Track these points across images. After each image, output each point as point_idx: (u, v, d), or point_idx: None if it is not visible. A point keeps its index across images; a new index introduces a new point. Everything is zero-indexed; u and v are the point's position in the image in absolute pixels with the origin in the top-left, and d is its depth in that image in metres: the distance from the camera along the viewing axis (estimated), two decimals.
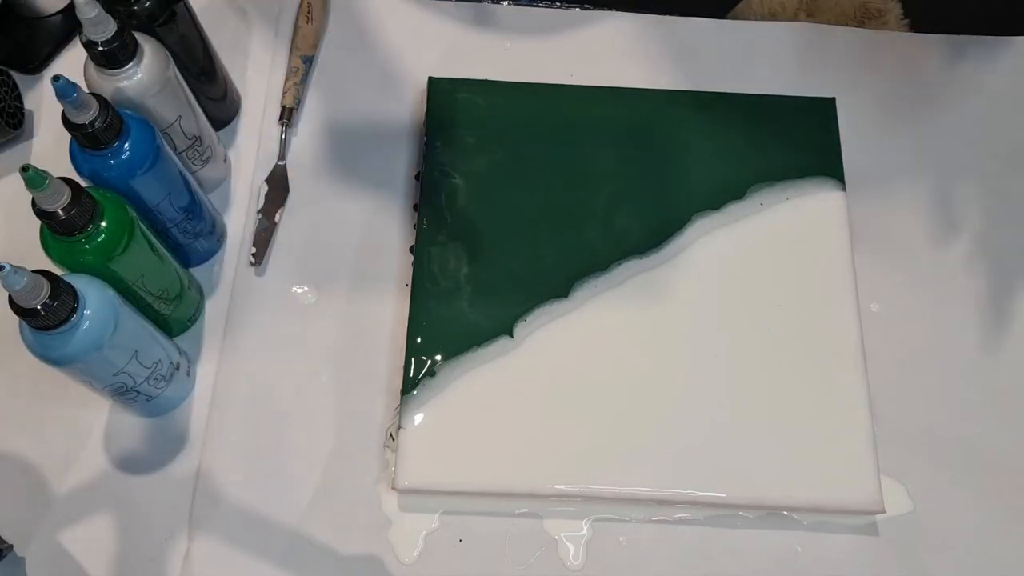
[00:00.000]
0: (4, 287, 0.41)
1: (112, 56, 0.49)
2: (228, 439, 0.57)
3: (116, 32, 0.48)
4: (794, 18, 0.71)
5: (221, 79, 0.63)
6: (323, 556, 0.55)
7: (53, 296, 0.43)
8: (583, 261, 0.59)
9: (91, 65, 0.51)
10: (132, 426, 0.58)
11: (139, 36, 0.51)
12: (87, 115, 0.46)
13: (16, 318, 0.44)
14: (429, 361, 0.56)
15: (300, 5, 0.69)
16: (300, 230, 0.63)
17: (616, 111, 0.64)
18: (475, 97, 0.64)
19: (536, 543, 0.55)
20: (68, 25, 0.67)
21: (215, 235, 0.61)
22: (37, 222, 0.46)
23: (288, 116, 0.65)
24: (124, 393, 0.51)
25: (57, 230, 0.46)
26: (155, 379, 0.53)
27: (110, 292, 0.47)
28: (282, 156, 0.65)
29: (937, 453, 0.58)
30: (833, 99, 0.65)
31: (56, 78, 0.44)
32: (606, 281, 0.59)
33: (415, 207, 0.62)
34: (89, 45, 0.49)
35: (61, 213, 0.45)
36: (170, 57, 0.53)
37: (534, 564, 0.55)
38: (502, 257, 0.59)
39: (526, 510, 0.56)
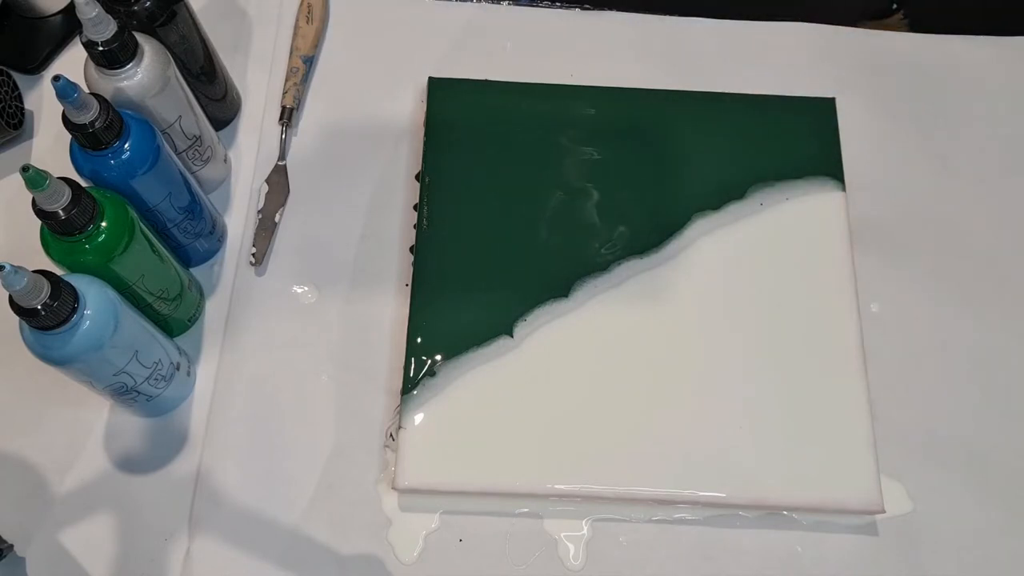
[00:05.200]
0: (4, 287, 0.41)
1: (112, 56, 0.49)
2: (228, 439, 0.57)
3: (116, 32, 0.48)
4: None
5: (221, 79, 0.64)
6: (323, 556, 0.55)
7: (53, 296, 0.43)
8: (583, 261, 0.59)
9: (91, 65, 0.51)
10: (132, 426, 0.58)
11: (139, 36, 0.51)
12: (87, 115, 0.46)
13: (16, 318, 0.44)
14: (429, 361, 0.56)
15: (300, 5, 0.69)
16: (300, 230, 0.63)
17: (616, 111, 0.64)
18: (475, 97, 0.64)
19: (536, 543, 0.55)
20: (68, 25, 0.67)
21: (215, 235, 0.61)
22: (37, 222, 0.46)
23: (288, 116, 0.65)
24: (124, 393, 0.51)
25: (57, 230, 0.46)
26: (155, 379, 0.53)
27: (110, 292, 0.47)
28: (282, 156, 0.65)
29: (937, 453, 0.58)
30: (833, 99, 0.65)
31: (56, 78, 0.44)
32: (606, 281, 0.59)
33: (415, 207, 0.62)
34: (89, 45, 0.49)
35: (61, 213, 0.45)
36: (170, 57, 0.53)
37: (534, 564, 0.55)
38: (502, 257, 0.59)
39: (526, 510, 0.56)
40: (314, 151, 0.66)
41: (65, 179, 0.45)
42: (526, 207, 0.61)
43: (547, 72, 0.67)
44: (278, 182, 0.64)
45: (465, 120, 0.63)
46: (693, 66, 0.69)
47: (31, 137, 0.66)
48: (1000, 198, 0.65)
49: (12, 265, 0.41)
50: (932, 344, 0.61)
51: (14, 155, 0.65)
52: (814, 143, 0.63)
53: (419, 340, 0.57)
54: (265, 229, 0.62)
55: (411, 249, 0.61)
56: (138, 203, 0.51)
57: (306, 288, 0.61)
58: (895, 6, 0.71)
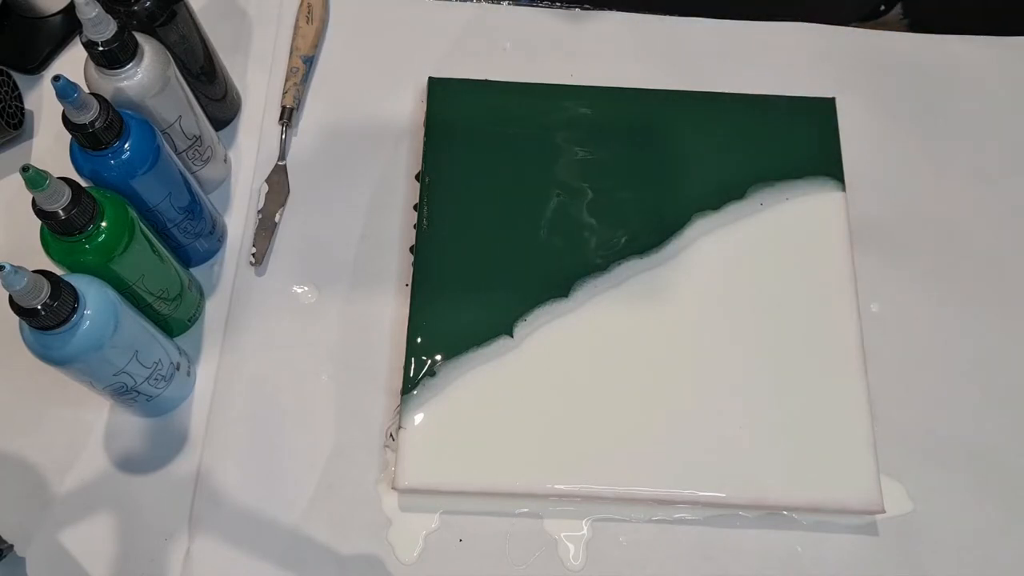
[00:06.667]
0: (4, 287, 0.41)
1: (112, 56, 0.49)
2: (228, 439, 0.57)
3: (116, 32, 0.48)
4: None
5: (221, 79, 0.64)
6: (323, 556, 0.55)
7: (53, 296, 0.43)
8: (583, 261, 0.59)
9: (91, 65, 0.51)
10: (132, 426, 0.58)
11: (139, 36, 0.51)
12: (87, 115, 0.46)
13: (16, 318, 0.44)
14: (429, 361, 0.56)
15: (300, 5, 0.69)
16: (300, 230, 0.63)
17: (616, 111, 0.64)
18: (475, 97, 0.64)
19: (536, 543, 0.55)
20: (68, 25, 0.67)
21: (215, 235, 0.61)
22: (37, 222, 0.46)
23: (288, 116, 0.65)
24: (124, 393, 0.52)
25: (57, 230, 0.46)
26: (155, 379, 0.53)
27: (110, 292, 0.47)
28: (282, 156, 0.65)
29: (937, 453, 0.58)
30: (833, 99, 0.65)
31: (56, 78, 0.44)
32: (606, 281, 0.59)
33: (415, 207, 0.62)
34: (89, 45, 0.49)
35: (61, 213, 0.45)
36: (170, 57, 0.53)
37: (534, 564, 0.55)
38: (502, 257, 0.59)
39: (526, 510, 0.56)
40: (314, 151, 0.66)
41: (65, 179, 0.45)
42: (526, 207, 0.61)
43: (547, 72, 0.67)
44: (278, 182, 0.64)
45: (465, 120, 0.63)
46: (693, 66, 0.69)
47: (31, 137, 0.66)
48: (1000, 198, 0.65)
49: (12, 265, 0.41)
50: (932, 344, 0.61)
51: (14, 155, 0.65)
52: (814, 143, 0.63)
53: (419, 340, 0.57)
54: (265, 229, 0.62)
55: (411, 249, 0.61)
56: (138, 203, 0.51)
57: (306, 288, 0.61)
58: (883, 7, 0.71)
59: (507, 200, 0.61)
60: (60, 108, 0.46)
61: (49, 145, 0.65)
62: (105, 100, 0.47)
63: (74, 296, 0.44)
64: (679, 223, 0.60)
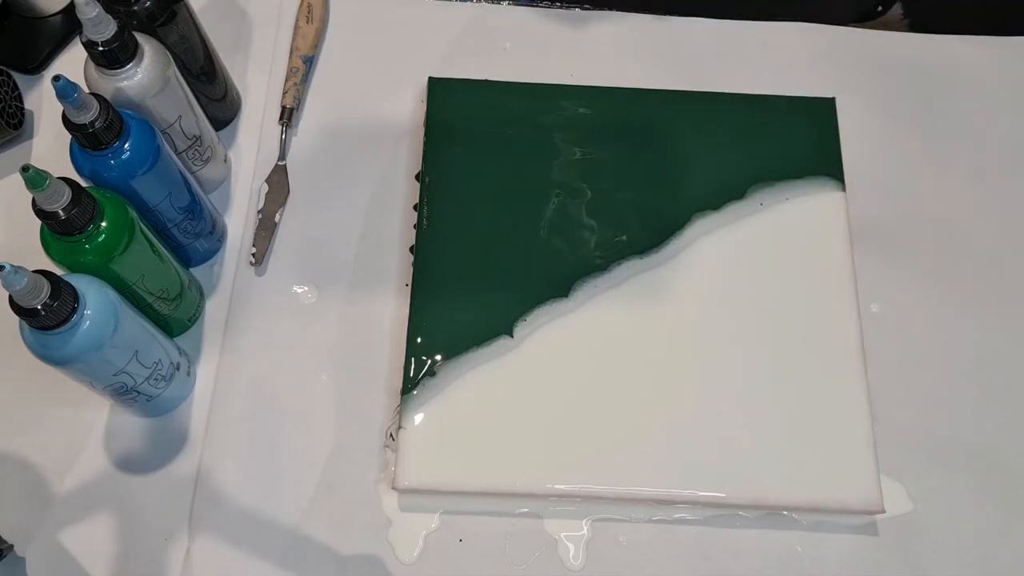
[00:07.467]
0: (4, 287, 0.41)
1: (112, 56, 0.49)
2: (228, 439, 0.57)
3: (116, 32, 0.48)
4: None
5: (221, 79, 0.64)
6: (323, 556, 0.55)
7: (53, 296, 0.43)
8: (583, 261, 0.59)
9: (91, 65, 0.51)
10: (132, 426, 0.58)
11: (139, 36, 0.51)
12: (87, 115, 0.46)
13: (16, 318, 0.44)
14: (429, 361, 0.56)
15: (300, 5, 0.69)
16: (300, 230, 0.63)
17: (616, 111, 0.64)
18: (475, 97, 0.64)
19: (536, 543, 0.55)
20: (68, 25, 0.67)
21: (215, 235, 0.61)
22: (37, 222, 0.46)
23: (288, 116, 0.65)
24: (124, 393, 0.52)
25: (57, 230, 0.46)
26: (155, 379, 0.53)
27: (110, 292, 0.47)
28: (282, 156, 0.65)
29: (937, 453, 0.58)
30: (833, 99, 0.65)
31: (56, 78, 0.44)
32: (606, 281, 0.59)
33: (415, 207, 0.62)
34: (89, 45, 0.49)
35: (61, 213, 0.45)
36: (170, 57, 0.53)
37: (534, 564, 0.55)
38: (502, 257, 0.59)
39: (526, 510, 0.56)
40: (314, 151, 0.66)
41: (65, 179, 0.45)
42: (526, 207, 0.61)
43: (547, 72, 0.67)
44: (278, 182, 0.64)
45: (465, 120, 0.63)
46: (693, 66, 0.69)
47: (31, 137, 0.66)
48: (1000, 198, 0.65)
49: (12, 265, 0.41)
50: (932, 344, 0.61)
51: (14, 155, 0.65)
52: (814, 143, 0.63)
53: (419, 340, 0.57)
54: (265, 229, 0.62)
55: (411, 249, 0.61)
56: (138, 203, 0.51)
57: (306, 288, 0.61)
58: (880, 8, 0.71)
59: (507, 200, 0.61)
60: (60, 108, 0.46)
61: (49, 145, 0.65)
62: (105, 100, 0.47)
63: (74, 296, 0.44)
64: (679, 223, 0.60)
